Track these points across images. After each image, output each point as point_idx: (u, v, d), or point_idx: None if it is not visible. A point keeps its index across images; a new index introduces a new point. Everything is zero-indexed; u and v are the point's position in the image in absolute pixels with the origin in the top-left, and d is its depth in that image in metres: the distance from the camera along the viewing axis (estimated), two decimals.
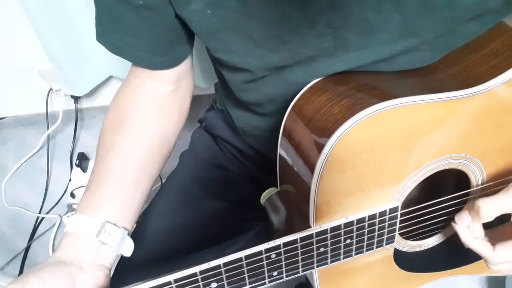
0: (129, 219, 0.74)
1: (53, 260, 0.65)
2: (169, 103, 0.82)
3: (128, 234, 0.72)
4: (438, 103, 0.61)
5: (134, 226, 0.77)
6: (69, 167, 1.90)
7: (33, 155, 1.95)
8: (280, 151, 0.71)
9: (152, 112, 0.79)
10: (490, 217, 0.62)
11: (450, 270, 0.82)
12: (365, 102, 0.59)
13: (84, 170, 1.85)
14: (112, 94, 1.83)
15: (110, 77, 1.81)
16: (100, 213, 0.70)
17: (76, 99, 1.84)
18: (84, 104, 1.97)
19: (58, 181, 1.89)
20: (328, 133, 0.58)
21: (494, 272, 0.85)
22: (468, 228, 0.66)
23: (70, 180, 1.79)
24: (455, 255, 0.80)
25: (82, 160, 1.84)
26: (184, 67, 0.80)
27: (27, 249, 1.73)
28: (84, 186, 1.72)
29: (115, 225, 0.70)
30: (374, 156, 0.61)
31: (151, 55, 0.74)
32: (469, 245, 0.66)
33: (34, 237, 1.76)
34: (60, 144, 1.99)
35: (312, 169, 0.60)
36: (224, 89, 0.92)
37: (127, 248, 0.72)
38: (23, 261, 1.70)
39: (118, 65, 1.67)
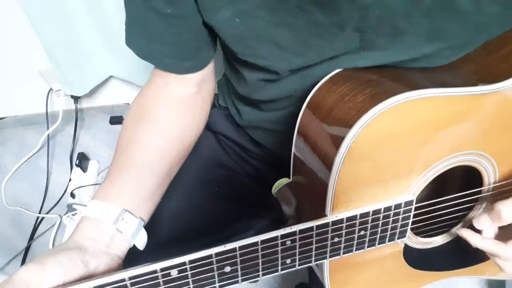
0: (146, 210, 0.74)
1: (70, 244, 0.65)
2: (191, 103, 0.83)
3: (143, 226, 0.72)
4: (460, 97, 0.61)
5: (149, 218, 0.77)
6: (69, 167, 1.90)
7: (33, 155, 1.94)
8: (297, 138, 0.71)
9: (174, 110, 0.81)
10: (510, 219, 0.63)
11: (457, 270, 0.82)
12: (390, 91, 0.59)
13: (84, 170, 1.85)
14: (112, 94, 1.84)
15: (110, 77, 1.81)
16: (119, 201, 0.70)
17: (76, 99, 1.84)
18: (84, 104, 1.97)
19: (58, 181, 1.88)
20: (352, 120, 0.58)
21: (502, 275, 0.86)
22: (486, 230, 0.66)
23: (70, 180, 1.78)
24: (463, 254, 0.80)
25: (82, 160, 1.84)
26: (207, 71, 0.82)
27: (27, 249, 1.72)
28: (84, 186, 1.75)
29: (132, 214, 0.70)
30: (395, 147, 0.61)
31: (178, 60, 0.76)
32: (480, 245, 0.66)
33: (34, 237, 1.75)
34: (60, 144, 1.98)
35: (333, 156, 0.59)
36: (232, 85, 0.93)
37: (141, 239, 0.72)
38: (23, 261, 1.69)
39: (118, 65, 1.68)
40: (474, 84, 0.62)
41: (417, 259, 0.78)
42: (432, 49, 0.65)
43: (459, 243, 0.77)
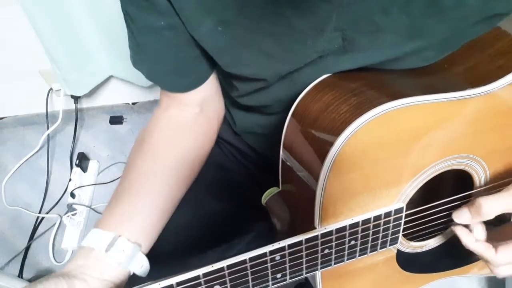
0: (145, 237, 0.73)
1: (59, 272, 0.64)
2: (193, 125, 0.83)
3: (143, 251, 0.71)
4: (446, 103, 0.61)
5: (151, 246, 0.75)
6: (69, 167, 1.90)
7: (33, 155, 1.95)
8: (283, 150, 0.70)
9: (174, 134, 0.80)
10: (490, 215, 0.62)
11: (451, 271, 0.82)
12: (374, 100, 0.58)
13: (84, 170, 1.86)
14: (112, 94, 1.84)
15: (110, 77, 1.81)
16: (114, 227, 0.69)
17: (76, 99, 1.84)
18: (84, 104, 1.98)
19: (58, 181, 1.89)
20: (337, 132, 0.57)
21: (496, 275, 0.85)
22: (468, 229, 0.66)
23: (70, 180, 1.79)
24: (456, 255, 0.80)
25: (82, 160, 1.84)
26: (208, 89, 0.81)
27: (27, 249, 1.73)
28: (84, 186, 1.76)
29: (128, 240, 0.69)
30: (382, 156, 0.61)
31: (177, 77, 0.75)
32: (471, 247, 0.66)
33: (34, 237, 1.76)
34: (60, 144, 1.98)
35: (318, 169, 0.59)
36: (225, 90, 0.92)
37: (139, 266, 0.70)
38: (23, 261, 1.70)
39: (118, 65, 1.68)
40: (460, 88, 0.62)
41: (410, 263, 0.78)
42: (414, 47, 0.64)
43: (451, 244, 0.77)
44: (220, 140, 1.01)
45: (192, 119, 0.82)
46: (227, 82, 0.83)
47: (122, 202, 0.73)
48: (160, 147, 0.78)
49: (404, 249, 0.75)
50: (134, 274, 0.71)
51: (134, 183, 0.75)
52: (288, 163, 0.70)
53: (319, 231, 0.62)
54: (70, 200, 1.74)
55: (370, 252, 0.69)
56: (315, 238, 0.62)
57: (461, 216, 0.64)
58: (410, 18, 0.60)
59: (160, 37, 0.69)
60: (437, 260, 0.80)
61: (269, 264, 0.61)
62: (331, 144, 0.57)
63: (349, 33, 0.62)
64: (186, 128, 0.82)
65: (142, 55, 0.74)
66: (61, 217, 1.76)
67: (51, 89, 1.83)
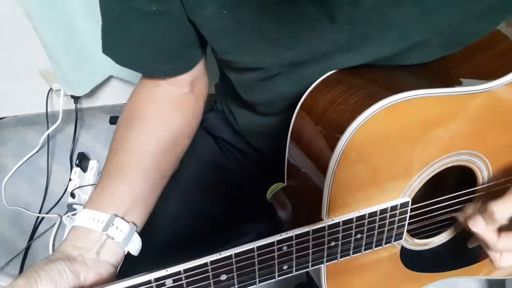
0: (139, 215, 0.71)
1: (59, 255, 0.62)
2: (183, 103, 0.81)
3: (136, 231, 0.70)
4: (452, 97, 0.61)
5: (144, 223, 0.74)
6: (69, 167, 1.90)
7: (33, 155, 1.94)
8: (290, 142, 0.70)
9: (165, 110, 0.79)
10: (504, 219, 0.61)
11: (454, 271, 0.82)
12: (383, 92, 0.58)
13: (84, 170, 1.85)
14: (112, 94, 1.83)
15: (110, 77, 1.81)
16: (110, 207, 0.68)
17: (76, 99, 1.84)
18: (84, 104, 1.97)
19: (58, 181, 1.89)
20: (346, 122, 0.57)
21: (496, 274, 0.85)
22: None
23: (70, 180, 1.78)
24: (459, 255, 0.80)
25: (82, 160, 1.84)
26: (198, 71, 0.79)
27: (27, 249, 1.73)
28: (84, 186, 1.75)
29: (123, 219, 0.67)
30: (390, 148, 0.61)
31: (163, 62, 0.73)
32: (479, 231, 0.65)
33: (34, 237, 1.76)
34: (60, 144, 1.98)
35: (328, 158, 0.59)
36: (227, 88, 0.92)
37: (135, 245, 0.69)
38: (23, 261, 1.70)
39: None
40: (466, 84, 0.63)
41: (414, 261, 0.78)
42: (418, 41, 0.64)
43: (454, 244, 0.77)
44: (220, 140, 1.01)
45: (181, 97, 0.80)
46: (226, 77, 0.83)
47: (115, 181, 0.71)
48: (152, 124, 0.76)
49: (408, 246, 0.75)
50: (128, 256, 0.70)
51: (126, 160, 0.73)
52: (295, 156, 0.70)
53: (326, 222, 0.62)
54: (70, 200, 1.73)
55: (376, 246, 0.69)
56: (322, 229, 0.62)
57: (476, 224, 0.64)
58: (421, 12, 0.60)
59: (147, 21, 0.66)
60: (440, 260, 0.80)
61: (276, 254, 0.61)
62: (341, 132, 0.58)
63: (360, 28, 0.62)
64: (176, 106, 0.80)
65: (118, 37, 0.70)
66: (61, 217, 1.76)
67: (51, 89, 1.83)
